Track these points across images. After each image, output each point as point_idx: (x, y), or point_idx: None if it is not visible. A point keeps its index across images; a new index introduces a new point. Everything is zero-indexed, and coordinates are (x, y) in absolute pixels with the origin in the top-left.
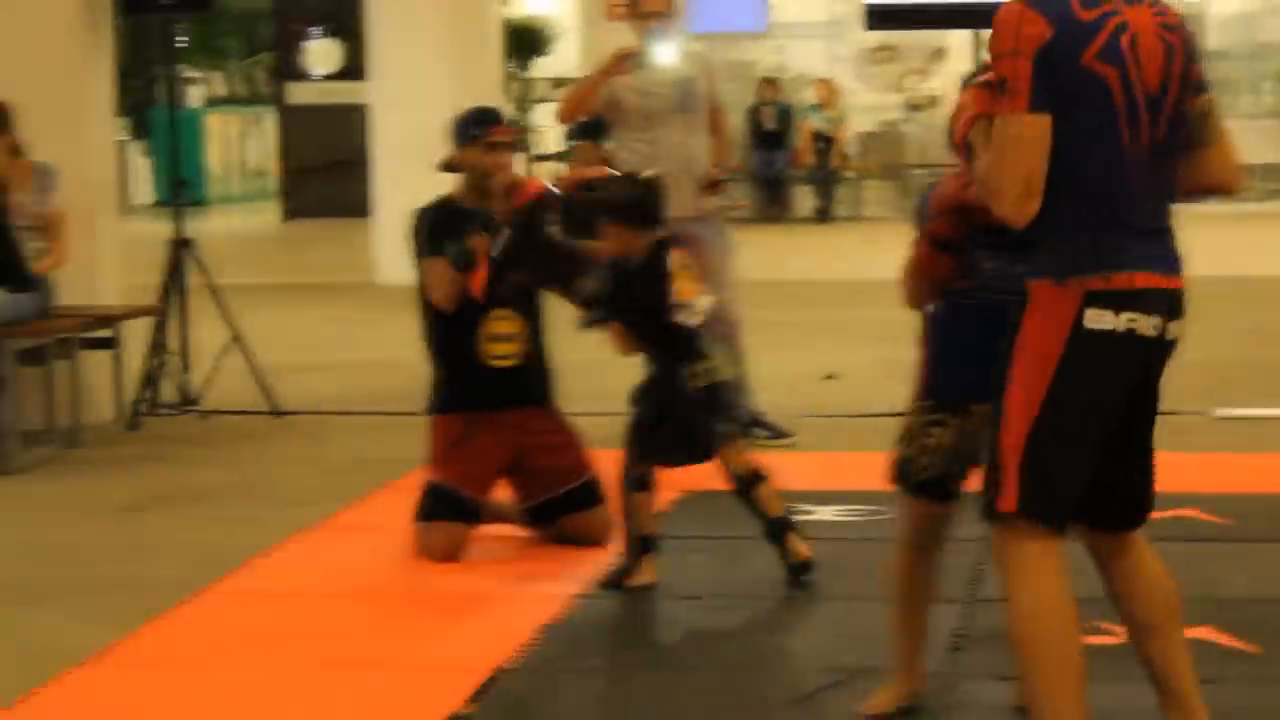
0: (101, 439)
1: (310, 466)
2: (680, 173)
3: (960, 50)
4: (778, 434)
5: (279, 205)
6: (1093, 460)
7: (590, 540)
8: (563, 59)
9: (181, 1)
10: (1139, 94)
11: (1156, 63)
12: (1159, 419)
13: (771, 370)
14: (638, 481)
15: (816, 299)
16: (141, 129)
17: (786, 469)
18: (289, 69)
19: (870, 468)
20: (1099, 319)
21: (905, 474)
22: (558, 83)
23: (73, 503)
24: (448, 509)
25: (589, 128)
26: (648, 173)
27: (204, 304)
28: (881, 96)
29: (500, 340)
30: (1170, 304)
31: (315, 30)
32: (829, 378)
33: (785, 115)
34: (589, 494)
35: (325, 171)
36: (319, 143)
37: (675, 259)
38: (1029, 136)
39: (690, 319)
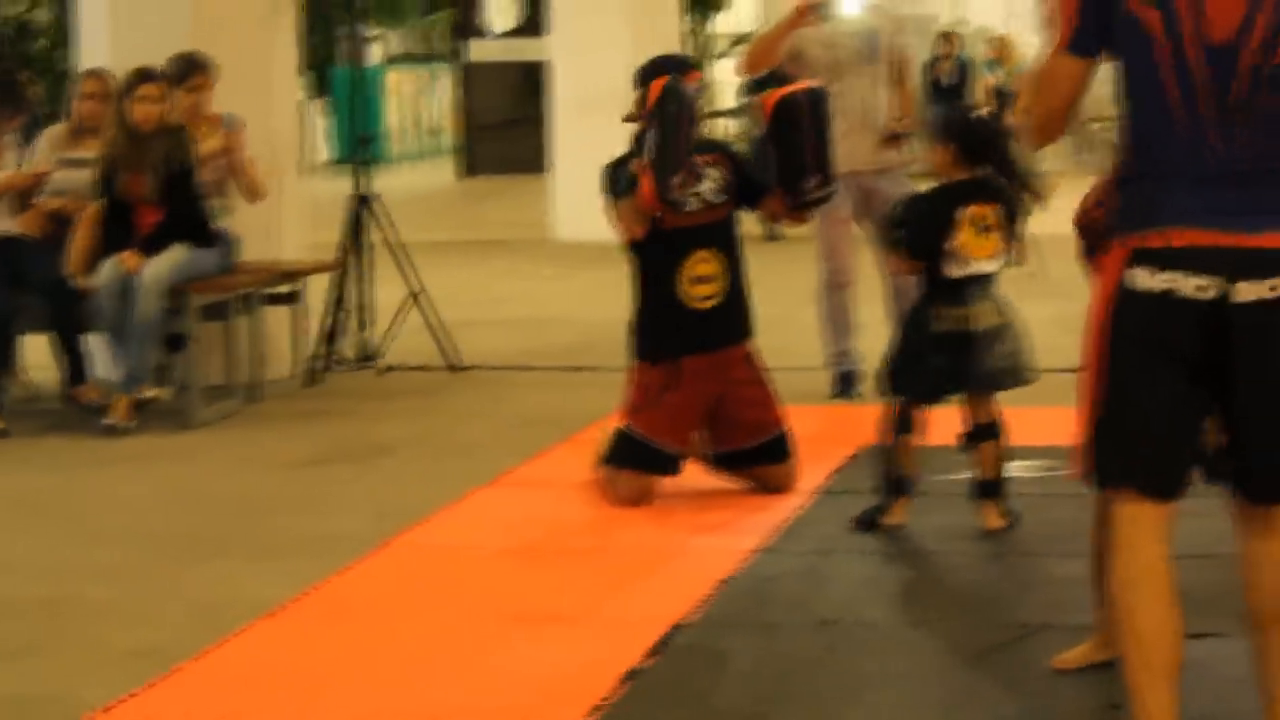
0: (282, 394)
1: (488, 422)
2: (863, 125)
3: None
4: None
5: (456, 162)
6: (1168, 426)
7: (776, 489)
8: (742, 14)
9: None
10: (1191, 44)
11: (1232, 10)
12: None
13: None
14: (900, 423)
15: None
16: (322, 87)
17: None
18: (469, 26)
19: (1050, 423)
20: (1138, 278)
21: None
22: (737, 39)
23: (253, 457)
24: (640, 459)
25: (768, 81)
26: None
27: (384, 260)
28: None
29: (702, 281)
30: (1237, 263)
31: None
32: None
33: (963, 70)
34: (780, 448)
35: (503, 128)
36: (497, 99)
37: (970, 212)
38: (1057, 76)
39: (957, 271)
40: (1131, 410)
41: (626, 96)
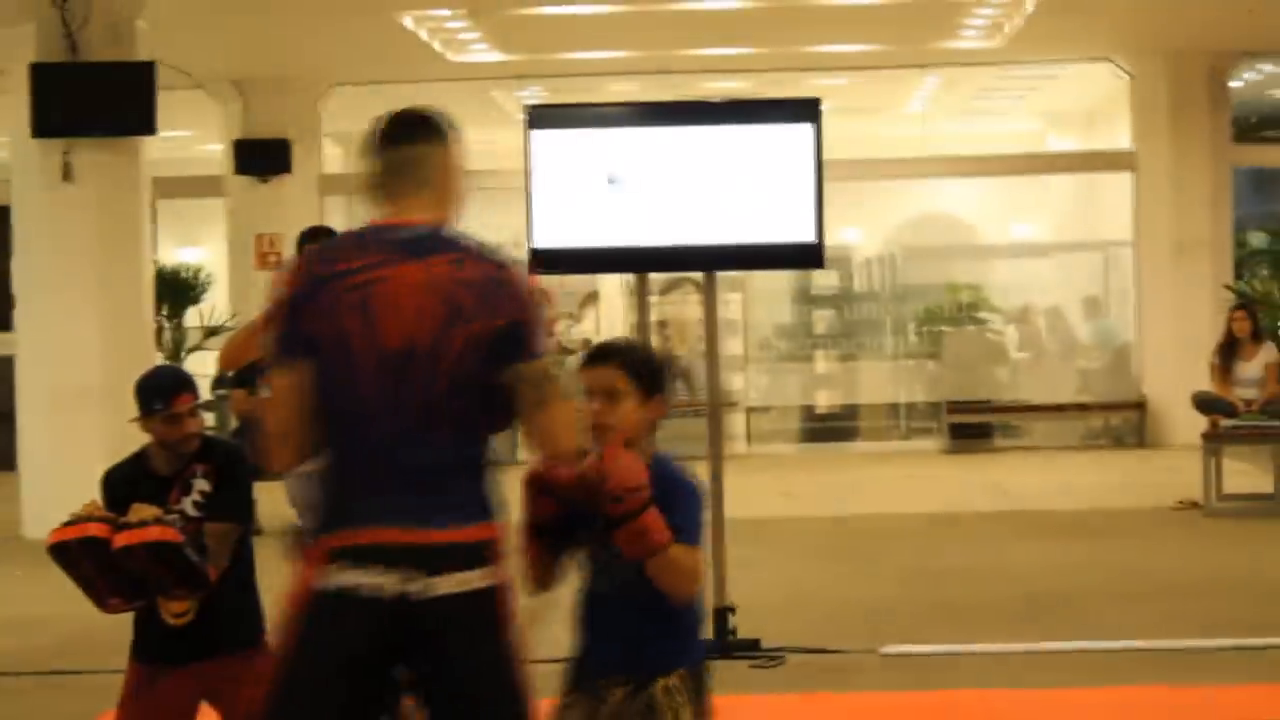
0: None
1: None
2: None
3: (613, 294)
4: None
5: None
6: None
7: None
8: (215, 307)
9: None
10: (367, 351)
11: (407, 318)
12: (826, 658)
13: None
14: None
15: None
16: None
17: None
18: None
19: None
20: (329, 576)
21: None
22: (209, 330)
23: None
24: None
25: (243, 376)
26: None
27: None
28: None
29: (174, 599)
30: (421, 558)
31: None
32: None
33: None
34: None
35: None
36: None
37: None
38: (276, 388)
39: None
40: (302, 712)
41: (99, 392)
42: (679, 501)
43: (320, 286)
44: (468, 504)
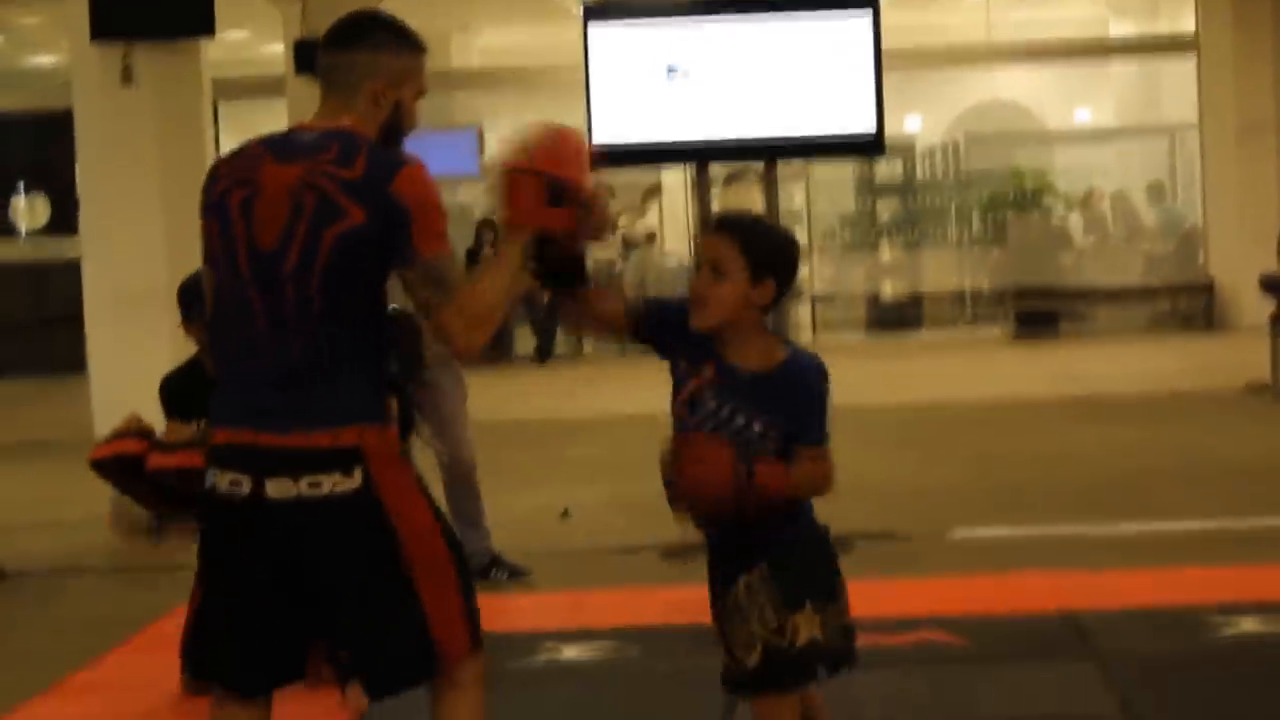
0: None
1: (40, 628)
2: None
3: (675, 187)
4: (515, 572)
5: None
6: (255, 624)
7: None
8: None
9: None
10: (242, 250)
11: (278, 221)
12: (893, 544)
13: (506, 510)
14: None
15: (543, 438)
16: None
17: (529, 608)
18: None
19: (610, 604)
20: (207, 475)
21: None
22: None
23: None
24: None
25: None
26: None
27: None
28: None
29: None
30: (262, 460)
31: (19, 185)
32: (564, 515)
33: None
34: None
35: (35, 328)
36: (27, 299)
37: None
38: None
39: None
40: (210, 608)
41: (165, 294)
42: (800, 406)
43: (211, 188)
44: (333, 409)
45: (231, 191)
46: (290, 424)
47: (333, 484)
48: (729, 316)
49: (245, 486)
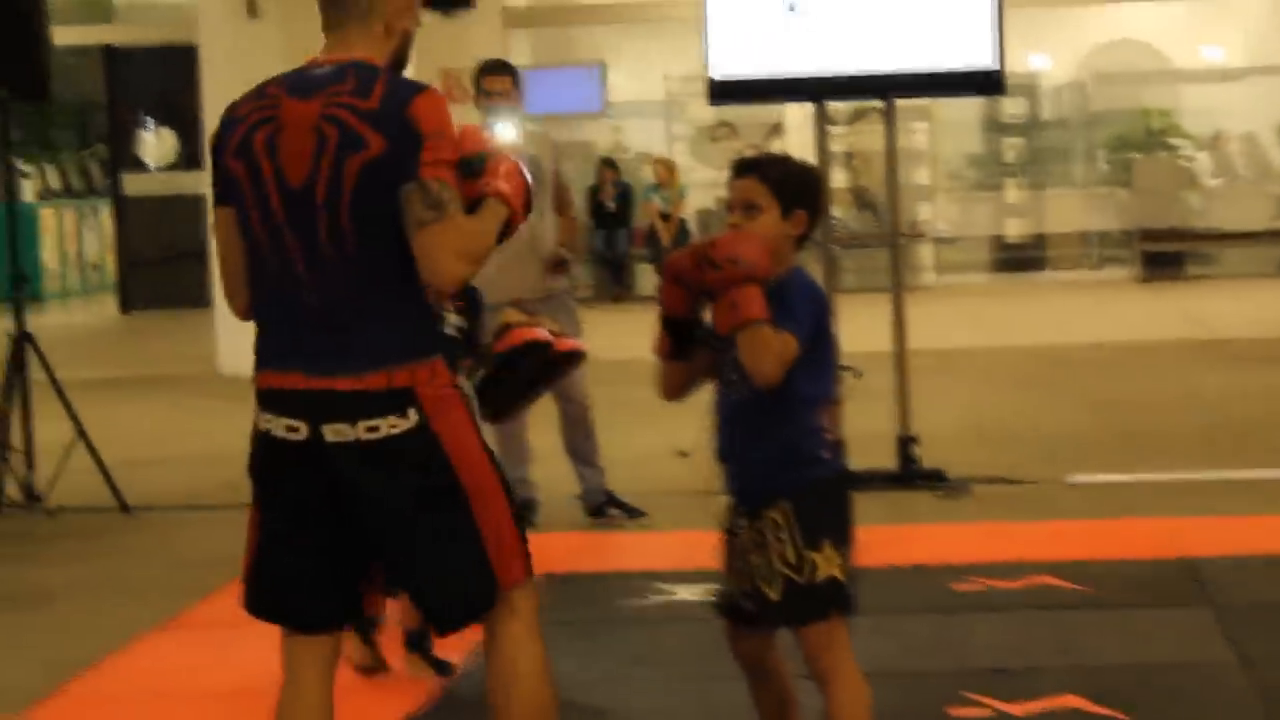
0: None
1: (161, 561)
2: (526, 252)
3: (798, 125)
4: (632, 512)
5: (116, 298)
6: (311, 563)
7: None
8: None
9: (14, 92)
10: (273, 190)
11: (304, 156)
12: (1012, 488)
13: (622, 449)
14: None
15: None
16: None
17: (643, 548)
18: (124, 160)
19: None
20: (258, 419)
21: None
22: None
23: None
24: None
25: None
26: None
27: (47, 400)
28: (719, 174)
29: None
30: (316, 405)
31: (149, 121)
32: (681, 455)
33: (625, 195)
34: None
35: (164, 262)
36: (156, 234)
37: None
38: (216, 226)
39: None
40: (274, 552)
41: None
42: (792, 300)
43: (231, 130)
44: (381, 348)
45: (254, 133)
46: (340, 366)
47: (389, 426)
48: (773, 249)
49: (302, 432)
